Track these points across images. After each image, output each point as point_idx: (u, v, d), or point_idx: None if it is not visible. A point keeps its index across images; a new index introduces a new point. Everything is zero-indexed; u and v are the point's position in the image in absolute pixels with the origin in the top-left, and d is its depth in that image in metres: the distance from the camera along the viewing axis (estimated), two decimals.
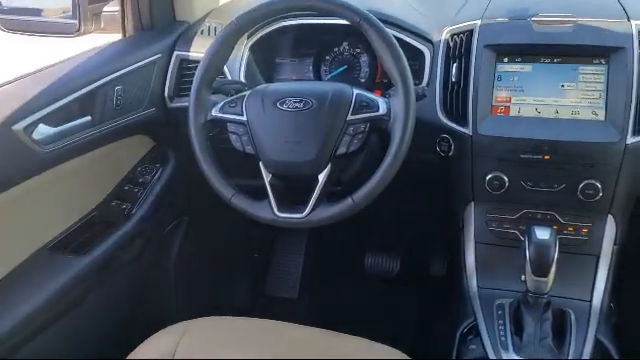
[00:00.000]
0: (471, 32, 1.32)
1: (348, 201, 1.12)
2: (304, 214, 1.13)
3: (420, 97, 1.20)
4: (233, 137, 1.18)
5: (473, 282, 1.33)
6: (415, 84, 1.16)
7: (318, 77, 1.57)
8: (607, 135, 1.20)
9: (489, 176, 1.28)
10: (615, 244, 1.30)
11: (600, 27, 1.25)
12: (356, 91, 1.17)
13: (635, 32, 1.23)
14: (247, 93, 1.21)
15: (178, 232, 1.73)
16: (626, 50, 1.21)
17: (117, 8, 1.55)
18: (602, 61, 1.23)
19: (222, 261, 1.98)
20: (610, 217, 1.28)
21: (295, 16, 1.46)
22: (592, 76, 1.24)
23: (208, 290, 1.92)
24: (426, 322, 1.56)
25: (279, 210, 1.14)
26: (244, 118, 1.17)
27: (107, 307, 1.48)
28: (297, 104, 1.15)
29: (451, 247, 1.46)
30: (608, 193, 1.24)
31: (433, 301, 1.63)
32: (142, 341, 1.09)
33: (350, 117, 1.13)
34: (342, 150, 1.13)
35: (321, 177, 1.13)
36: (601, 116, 1.23)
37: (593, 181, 1.22)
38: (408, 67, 1.13)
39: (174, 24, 1.60)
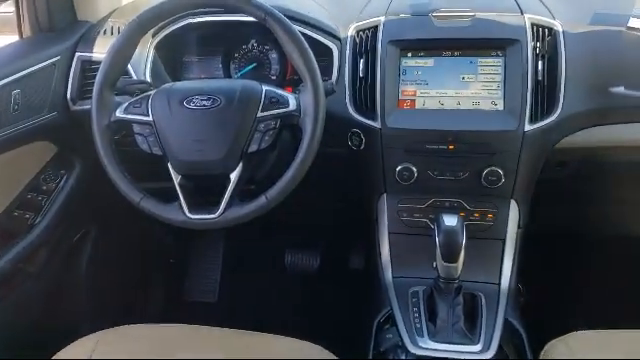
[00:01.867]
0: (376, 28, 1.35)
1: (261, 199, 1.11)
2: (217, 214, 1.11)
3: (329, 92, 1.21)
4: (139, 138, 1.15)
5: (388, 272, 1.36)
6: (324, 80, 1.17)
7: (228, 75, 1.55)
8: (506, 124, 1.26)
9: (399, 167, 1.31)
10: (519, 227, 1.36)
11: (496, 21, 1.32)
12: (265, 88, 1.16)
13: (528, 25, 1.30)
14: (152, 92, 1.18)
15: (87, 240, 1.67)
16: (521, 42, 1.28)
17: (12, 9, 1.48)
18: (499, 53, 1.29)
19: (136, 268, 1.92)
20: (513, 202, 1.35)
21: (201, 13, 1.44)
22: (490, 68, 1.30)
23: (122, 299, 1.86)
24: (346, 315, 1.57)
25: (190, 211, 1.12)
26: (150, 118, 1.14)
27: (12, 321, 1.40)
28: (205, 102, 1.13)
29: (367, 239, 1.49)
30: (510, 179, 1.30)
31: (353, 294, 1.66)
32: (53, 354, 1.04)
33: (260, 114, 1.12)
34: (253, 148, 1.12)
35: (233, 176, 1.12)
36: (500, 106, 1.29)
37: (495, 168, 1.28)
38: (315, 62, 1.13)
39: (75, 24, 1.54)
